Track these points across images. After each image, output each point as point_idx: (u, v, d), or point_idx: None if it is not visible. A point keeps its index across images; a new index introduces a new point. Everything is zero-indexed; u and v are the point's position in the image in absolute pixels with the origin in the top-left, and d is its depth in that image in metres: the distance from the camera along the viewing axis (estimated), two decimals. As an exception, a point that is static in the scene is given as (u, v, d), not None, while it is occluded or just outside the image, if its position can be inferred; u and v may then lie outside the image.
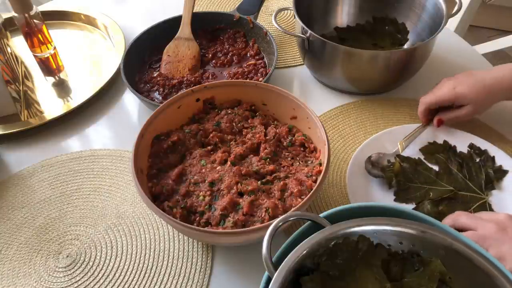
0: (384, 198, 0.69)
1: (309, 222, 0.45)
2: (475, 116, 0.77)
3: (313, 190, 0.56)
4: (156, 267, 0.63)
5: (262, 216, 0.58)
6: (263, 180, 0.63)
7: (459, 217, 0.57)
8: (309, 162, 0.66)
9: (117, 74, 0.88)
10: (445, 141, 0.75)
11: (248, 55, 0.91)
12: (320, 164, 0.64)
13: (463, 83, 0.71)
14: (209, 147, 0.68)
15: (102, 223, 0.68)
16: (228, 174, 0.63)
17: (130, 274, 0.62)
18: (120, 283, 0.61)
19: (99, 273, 0.63)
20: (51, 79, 0.93)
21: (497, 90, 0.71)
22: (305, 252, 0.41)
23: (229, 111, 0.72)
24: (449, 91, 0.71)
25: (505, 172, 0.70)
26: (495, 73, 0.71)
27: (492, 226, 0.53)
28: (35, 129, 0.81)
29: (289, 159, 0.67)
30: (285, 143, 0.69)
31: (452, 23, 1.81)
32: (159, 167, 0.65)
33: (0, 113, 0.83)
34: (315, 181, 0.62)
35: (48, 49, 0.92)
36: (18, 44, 0.99)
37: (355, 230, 0.44)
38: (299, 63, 0.94)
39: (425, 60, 0.83)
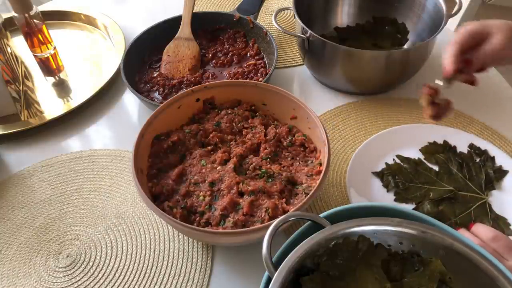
0: (384, 198, 0.69)
1: (309, 222, 0.45)
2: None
3: (313, 190, 0.56)
4: (156, 267, 0.63)
5: (262, 216, 0.58)
6: (267, 175, 0.63)
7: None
8: (309, 162, 0.66)
9: (117, 74, 0.88)
10: (445, 141, 0.75)
11: (248, 55, 0.91)
12: (320, 164, 0.64)
13: (487, 20, 0.63)
14: (209, 147, 0.68)
15: (102, 223, 0.68)
16: (228, 174, 0.63)
17: (130, 274, 0.62)
18: (120, 283, 0.61)
19: (99, 273, 0.63)
20: (51, 79, 0.92)
21: None
22: (305, 252, 0.41)
23: (229, 111, 0.72)
24: (471, 23, 0.62)
25: (505, 172, 0.70)
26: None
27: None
28: (35, 129, 0.81)
29: (289, 159, 0.67)
30: (285, 143, 0.69)
31: (452, 23, 1.80)
32: (159, 167, 0.65)
33: (0, 113, 0.83)
34: (315, 181, 0.62)
35: (48, 49, 0.92)
36: (18, 44, 0.99)
37: (355, 230, 0.44)
38: (299, 63, 0.94)
39: (425, 60, 0.83)
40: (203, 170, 0.64)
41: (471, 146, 0.74)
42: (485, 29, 0.62)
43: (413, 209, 0.63)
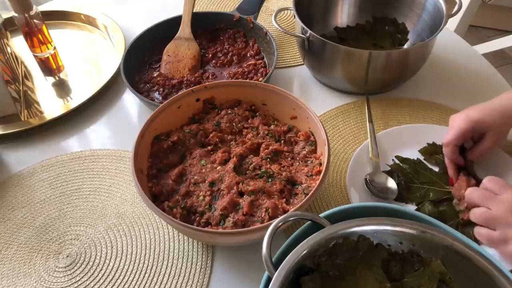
0: (384, 198, 0.69)
1: (309, 222, 0.45)
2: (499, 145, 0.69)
3: (313, 190, 0.56)
4: (156, 267, 0.63)
5: (262, 216, 0.58)
6: (267, 175, 0.63)
7: (471, 195, 0.58)
8: (309, 162, 0.66)
9: (117, 74, 0.88)
10: (445, 142, 0.75)
11: (248, 55, 0.91)
12: (320, 164, 0.64)
13: (473, 110, 0.66)
14: (209, 147, 0.68)
15: (102, 223, 0.68)
16: (228, 174, 0.63)
17: (130, 274, 0.62)
18: (120, 283, 0.61)
19: (99, 273, 0.63)
20: (51, 79, 0.92)
21: (510, 111, 0.65)
22: (305, 252, 0.41)
23: (229, 111, 0.72)
24: (464, 120, 0.65)
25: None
26: (503, 96, 0.68)
27: (503, 207, 0.53)
28: (35, 129, 0.81)
29: (289, 159, 0.67)
30: (285, 143, 0.69)
31: (452, 23, 1.81)
32: (159, 167, 0.65)
33: (0, 113, 0.83)
34: (315, 181, 0.62)
35: (48, 49, 0.91)
36: (18, 44, 0.99)
37: (355, 230, 0.44)
38: (299, 63, 0.94)
39: (425, 60, 0.83)
40: (203, 170, 0.64)
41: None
42: (476, 127, 0.65)
43: (414, 210, 0.63)
